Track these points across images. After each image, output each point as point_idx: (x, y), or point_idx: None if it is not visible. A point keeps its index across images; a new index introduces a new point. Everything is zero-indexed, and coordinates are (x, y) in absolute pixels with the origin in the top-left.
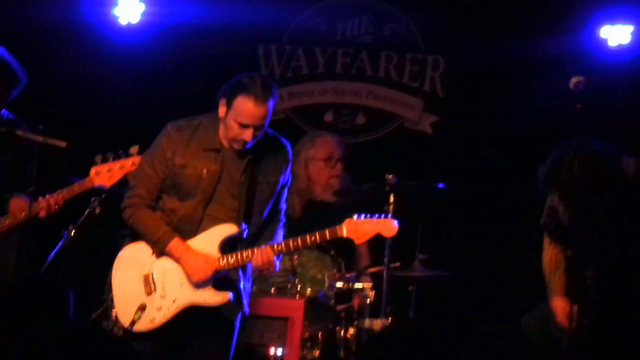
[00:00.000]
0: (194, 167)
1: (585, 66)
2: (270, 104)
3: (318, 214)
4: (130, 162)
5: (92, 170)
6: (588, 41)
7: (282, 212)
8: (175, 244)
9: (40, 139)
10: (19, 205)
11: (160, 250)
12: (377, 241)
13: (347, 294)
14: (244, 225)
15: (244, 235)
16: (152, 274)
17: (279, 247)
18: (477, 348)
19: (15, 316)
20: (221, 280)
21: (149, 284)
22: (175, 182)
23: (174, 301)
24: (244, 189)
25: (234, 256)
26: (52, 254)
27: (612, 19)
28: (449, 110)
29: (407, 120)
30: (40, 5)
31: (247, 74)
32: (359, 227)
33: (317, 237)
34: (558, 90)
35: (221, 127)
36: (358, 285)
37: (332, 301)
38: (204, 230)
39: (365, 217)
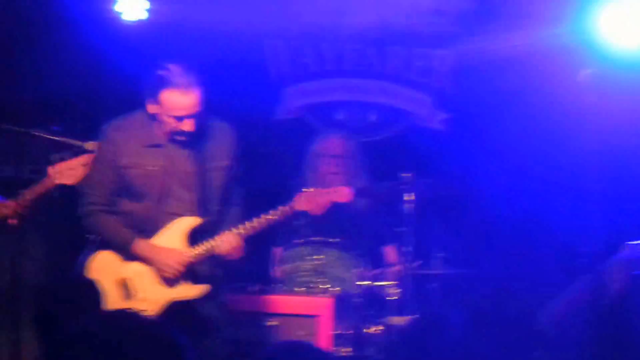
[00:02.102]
0: (139, 166)
1: (597, 57)
2: (197, 90)
3: (337, 213)
4: (92, 158)
5: (52, 169)
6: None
7: (241, 195)
8: (141, 245)
9: (58, 139)
10: None
11: (128, 254)
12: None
13: (372, 292)
14: (204, 215)
15: (206, 225)
16: (128, 278)
17: (242, 230)
18: (494, 343)
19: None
20: (195, 272)
21: (127, 288)
22: (124, 184)
23: (155, 302)
24: (195, 179)
25: (201, 247)
26: (79, 258)
27: None
28: (459, 106)
29: (418, 117)
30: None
31: (161, 66)
32: (311, 199)
33: (276, 214)
34: (569, 83)
35: (156, 124)
36: (382, 282)
37: (359, 299)
38: (165, 227)
39: (316, 188)
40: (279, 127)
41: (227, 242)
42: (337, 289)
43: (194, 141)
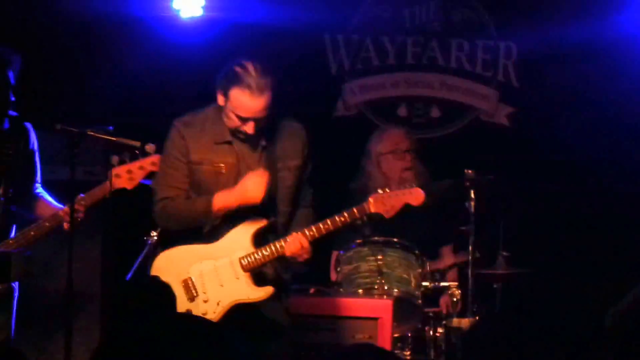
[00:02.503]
0: (211, 163)
1: None
2: (267, 94)
3: (401, 213)
4: (150, 161)
5: (112, 173)
6: None
7: (311, 197)
8: (217, 197)
9: (114, 139)
10: (47, 211)
11: (213, 217)
12: (460, 239)
13: (433, 293)
14: (273, 216)
15: (274, 226)
16: (191, 279)
17: (311, 232)
18: (561, 344)
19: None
20: (260, 275)
21: (190, 290)
22: (194, 181)
23: (218, 303)
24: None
25: (268, 249)
26: (137, 261)
27: None
28: (525, 100)
29: (483, 112)
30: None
31: (238, 62)
32: (385, 201)
33: (347, 216)
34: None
35: (224, 117)
36: (444, 284)
37: (419, 301)
38: (232, 227)
39: (390, 190)
40: (339, 124)
41: (295, 243)
42: (398, 290)
43: (265, 140)
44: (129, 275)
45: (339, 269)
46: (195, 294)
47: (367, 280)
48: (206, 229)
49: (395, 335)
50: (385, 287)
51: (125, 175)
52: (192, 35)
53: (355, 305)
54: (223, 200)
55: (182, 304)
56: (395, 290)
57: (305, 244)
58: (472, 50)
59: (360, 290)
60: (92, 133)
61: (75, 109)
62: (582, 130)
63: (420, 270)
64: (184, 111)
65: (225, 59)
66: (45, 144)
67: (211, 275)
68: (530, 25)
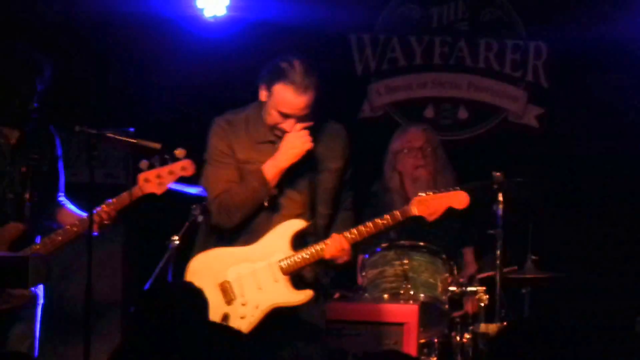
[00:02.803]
0: (256, 163)
1: None
2: (311, 93)
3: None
4: (180, 166)
5: (141, 177)
6: None
7: (350, 199)
8: (266, 167)
9: (134, 141)
10: (69, 220)
11: (267, 191)
12: (487, 243)
13: (460, 298)
14: (313, 218)
15: (315, 228)
16: (229, 282)
17: (353, 235)
18: (590, 350)
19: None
20: (299, 278)
21: (228, 293)
22: (242, 180)
23: (256, 307)
24: (306, 180)
25: (307, 251)
26: (159, 266)
27: None
28: (555, 101)
29: (511, 113)
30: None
31: (285, 58)
32: (429, 204)
33: (389, 220)
34: None
35: (264, 114)
36: (471, 288)
37: (446, 306)
38: (274, 227)
39: (433, 192)
40: (365, 125)
41: (336, 245)
42: (424, 295)
43: None
44: (151, 280)
45: (363, 273)
46: (233, 297)
47: (393, 284)
48: (266, 203)
49: (422, 341)
50: (411, 292)
51: (155, 180)
52: (216, 34)
53: (381, 310)
54: (273, 166)
55: (220, 307)
56: (422, 295)
57: (346, 245)
58: (501, 50)
59: (385, 295)
60: (110, 135)
61: (98, 110)
62: (612, 132)
63: (447, 275)
64: (209, 110)
65: (248, 57)
66: (67, 146)
67: (249, 279)
68: (561, 25)
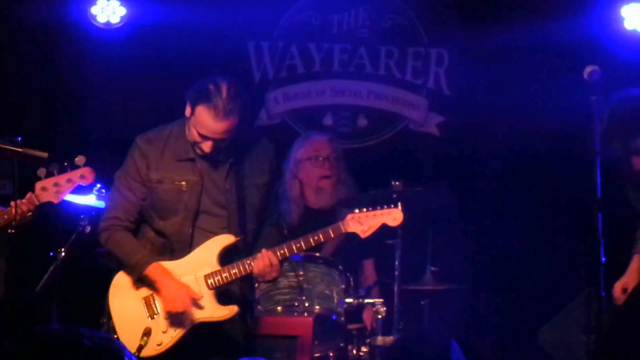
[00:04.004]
0: (171, 181)
1: (602, 53)
2: (233, 118)
3: (318, 222)
4: (79, 174)
5: (38, 186)
6: (605, 26)
7: (276, 214)
8: (153, 268)
9: (20, 150)
10: None
11: (137, 277)
12: (386, 254)
13: (357, 310)
14: (239, 234)
15: (241, 244)
16: (153, 296)
17: (282, 251)
18: None
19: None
20: (225, 293)
21: (151, 307)
22: (155, 200)
23: (180, 322)
24: (231, 195)
25: (235, 267)
26: (45, 277)
27: None
28: (456, 109)
29: (412, 121)
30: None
31: (214, 79)
32: (362, 221)
33: (321, 236)
34: (572, 81)
35: (187, 129)
36: (369, 300)
37: (342, 318)
38: (197, 245)
39: (367, 210)
40: (262, 133)
41: (264, 261)
42: (319, 307)
43: (231, 155)
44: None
45: (257, 285)
46: (156, 312)
47: (287, 297)
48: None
49: (316, 355)
50: (306, 304)
51: (52, 189)
52: (111, 40)
53: (274, 323)
54: (153, 274)
55: (143, 322)
56: (317, 307)
57: (275, 262)
58: (402, 57)
59: (279, 308)
60: None
61: None
62: (514, 140)
63: (343, 286)
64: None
65: (142, 67)
66: None
67: None
68: (463, 32)
